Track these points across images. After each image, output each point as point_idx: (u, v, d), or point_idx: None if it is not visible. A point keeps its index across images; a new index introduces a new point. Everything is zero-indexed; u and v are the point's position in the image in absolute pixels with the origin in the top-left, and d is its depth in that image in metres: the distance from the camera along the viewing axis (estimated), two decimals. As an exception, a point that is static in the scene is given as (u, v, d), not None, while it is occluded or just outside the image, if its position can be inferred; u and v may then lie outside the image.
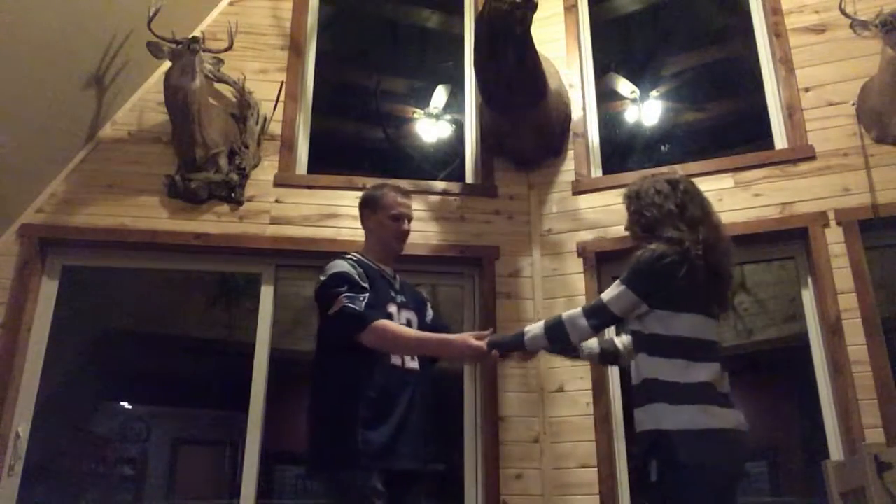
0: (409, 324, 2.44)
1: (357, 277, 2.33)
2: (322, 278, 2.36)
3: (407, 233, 2.56)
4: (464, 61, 4.42)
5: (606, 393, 3.49)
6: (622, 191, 3.80)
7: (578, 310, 2.16)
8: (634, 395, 2.11)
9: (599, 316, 2.11)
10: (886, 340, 3.18)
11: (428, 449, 2.42)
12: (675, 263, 2.05)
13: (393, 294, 2.46)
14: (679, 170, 3.69)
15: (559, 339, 2.15)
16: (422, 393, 2.38)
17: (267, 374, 3.58)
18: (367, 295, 2.29)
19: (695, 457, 1.94)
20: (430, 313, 2.60)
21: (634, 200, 2.26)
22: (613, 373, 3.59)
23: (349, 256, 2.46)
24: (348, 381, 2.27)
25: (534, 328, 2.20)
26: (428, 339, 2.34)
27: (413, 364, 2.38)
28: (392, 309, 2.41)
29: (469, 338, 2.24)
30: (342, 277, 2.32)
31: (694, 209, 2.17)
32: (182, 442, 6.51)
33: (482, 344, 2.21)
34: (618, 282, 2.13)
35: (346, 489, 2.18)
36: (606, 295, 2.12)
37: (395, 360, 2.34)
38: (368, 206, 2.56)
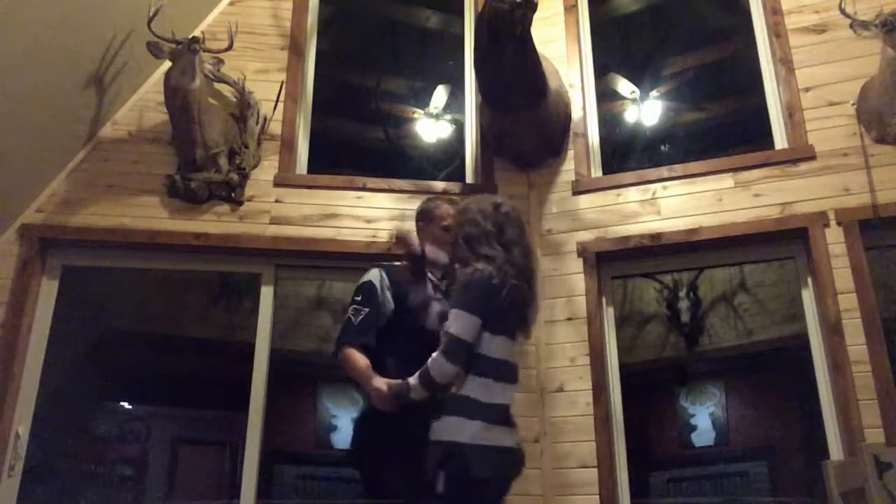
0: None
1: (378, 289, 2.49)
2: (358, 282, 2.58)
3: None
4: (464, 61, 4.41)
5: (606, 393, 3.49)
6: (622, 191, 3.83)
7: (437, 353, 2.14)
8: (432, 407, 2.13)
9: (457, 350, 2.11)
10: (886, 340, 3.18)
11: None
12: (499, 286, 2.14)
13: (439, 296, 2.57)
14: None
15: (433, 386, 2.14)
16: None
17: (267, 374, 3.57)
18: (368, 310, 2.45)
19: (485, 471, 2.05)
20: None
21: (459, 216, 2.36)
22: (613, 373, 3.60)
23: (386, 264, 2.63)
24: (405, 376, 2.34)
25: (413, 379, 2.18)
26: (364, 374, 2.37)
27: None
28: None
29: (378, 380, 2.29)
30: (363, 287, 2.53)
31: (511, 232, 2.26)
32: (182, 442, 6.50)
33: (383, 388, 2.25)
34: (455, 310, 2.15)
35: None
36: (453, 327, 2.12)
37: None
38: (422, 218, 2.72)
